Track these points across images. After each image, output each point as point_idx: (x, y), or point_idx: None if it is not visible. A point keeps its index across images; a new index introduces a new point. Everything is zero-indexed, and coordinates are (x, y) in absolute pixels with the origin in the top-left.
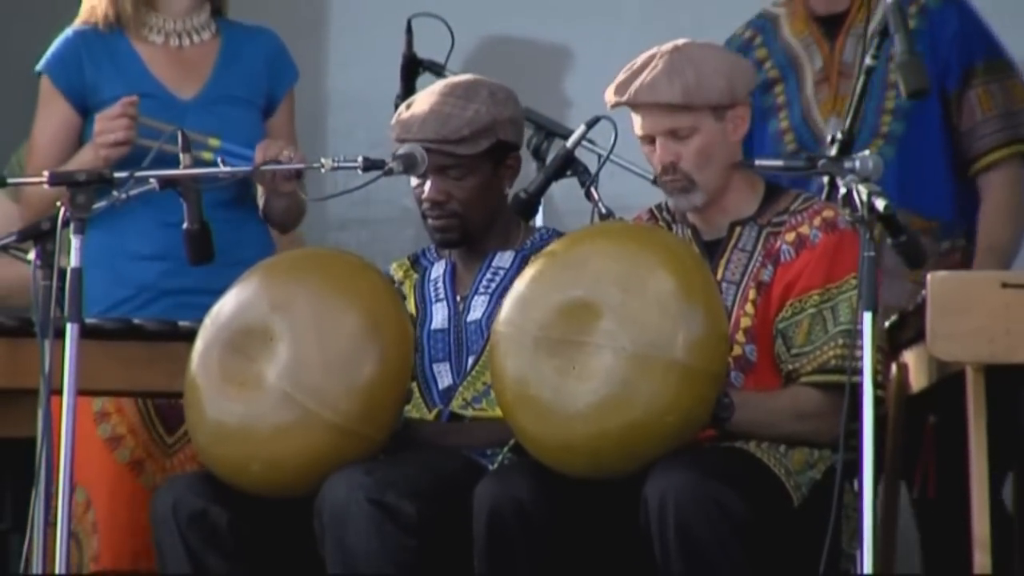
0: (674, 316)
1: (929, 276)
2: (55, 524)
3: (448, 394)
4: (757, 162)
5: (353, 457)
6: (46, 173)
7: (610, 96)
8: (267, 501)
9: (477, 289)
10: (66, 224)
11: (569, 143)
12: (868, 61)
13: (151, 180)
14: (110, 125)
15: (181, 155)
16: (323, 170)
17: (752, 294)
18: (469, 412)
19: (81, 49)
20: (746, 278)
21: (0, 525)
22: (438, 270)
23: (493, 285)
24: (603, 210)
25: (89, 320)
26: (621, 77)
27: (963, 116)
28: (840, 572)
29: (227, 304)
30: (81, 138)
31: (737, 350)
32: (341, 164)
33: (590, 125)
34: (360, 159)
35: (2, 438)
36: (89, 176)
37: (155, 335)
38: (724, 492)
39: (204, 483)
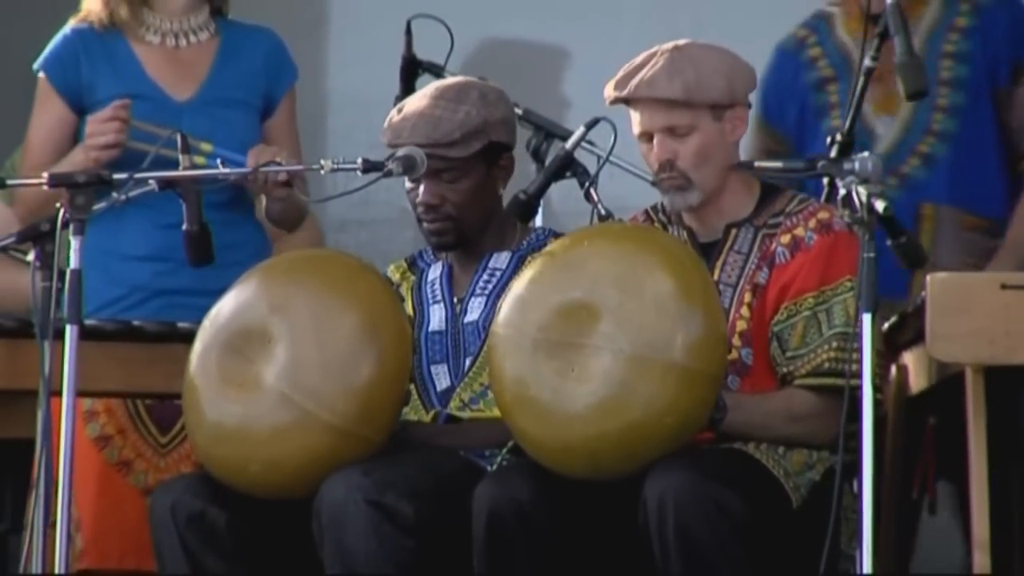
0: (672, 317)
1: (928, 277)
2: (54, 525)
3: (446, 395)
4: (756, 164)
5: (351, 458)
6: (46, 175)
7: (609, 91)
8: (265, 502)
9: (474, 290)
10: (65, 225)
11: (568, 144)
12: (867, 62)
13: (151, 182)
14: (101, 128)
15: (180, 157)
16: (323, 171)
17: (748, 297)
18: (467, 413)
19: (78, 48)
20: (742, 280)
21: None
22: (435, 272)
23: (490, 286)
24: (602, 211)
25: (88, 322)
26: (621, 73)
27: (1013, 112)
28: (839, 573)
29: (226, 306)
30: (76, 137)
31: (733, 353)
32: (341, 166)
33: (589, 126)
34: (360, 161)
35: (1, 439)
36: (89, 178)
37: (154, 337)
38: (723, 493)
39: (202, 484)
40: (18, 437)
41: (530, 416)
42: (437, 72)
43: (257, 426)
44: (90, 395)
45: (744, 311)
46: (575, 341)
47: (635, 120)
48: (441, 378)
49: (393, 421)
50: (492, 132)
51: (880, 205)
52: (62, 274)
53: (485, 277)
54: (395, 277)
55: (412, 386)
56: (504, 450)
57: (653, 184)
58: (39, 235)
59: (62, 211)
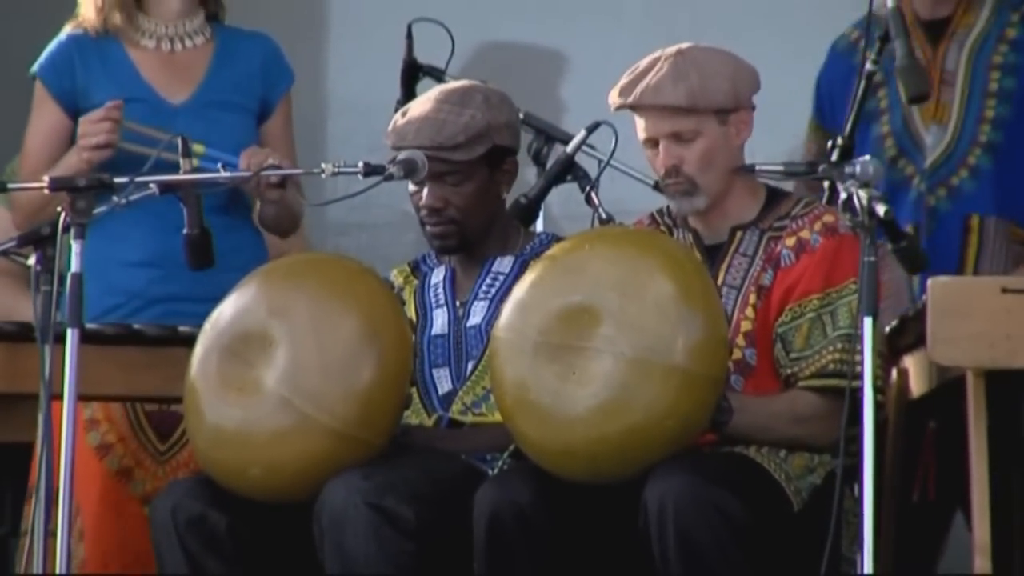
0: (673, 321)
1: (929, 281)
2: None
3: (448, 399)
4: (758, 167)
5: (352, 462)
6: (46, 178)
7: (614, 98)
8: (266, 505)
9: (477, 294)
10: (66, 229)
11: (569, 148)
12: (868, 66)
13: (151, 185)
14: (93, 128)
15: (181, 160)
16: (324, 175)
17: (752, 298)
18: (468, 417)
19: (74, 53)
20: (747, 282)
21: (0, 529)
22: (438, 276)
23: (492, 290)
24: (603, 215)
25: (89, 325)
26: (625, 80)
27: None
28: None
29: (226, 309)
30: (73, 142)
31: (737, 354)
32: (342, 169)
33: (590, 130)
34: (361, 164)
35: (2, 443)
36: (89, 182)
37: (155, 340)
38: (724, 497)
39: (203, 487)
40: (18, 441)
41: (531, 419)
42: (438, 76)
43: (257, 430)
44: (91, 399)
45: (749, 312)
46: (576, 344)
47: (640, 126)
48: (443, 382)
49: (393, 424)
50: (496, 136)
51: (881, 209)
52: (63, 278)
53: (488, 281)
54: (398, 281)
55: (414, 389)
56: (505, 454)
57: (655, 188)
58: (40, 239)
59: (63, 215)
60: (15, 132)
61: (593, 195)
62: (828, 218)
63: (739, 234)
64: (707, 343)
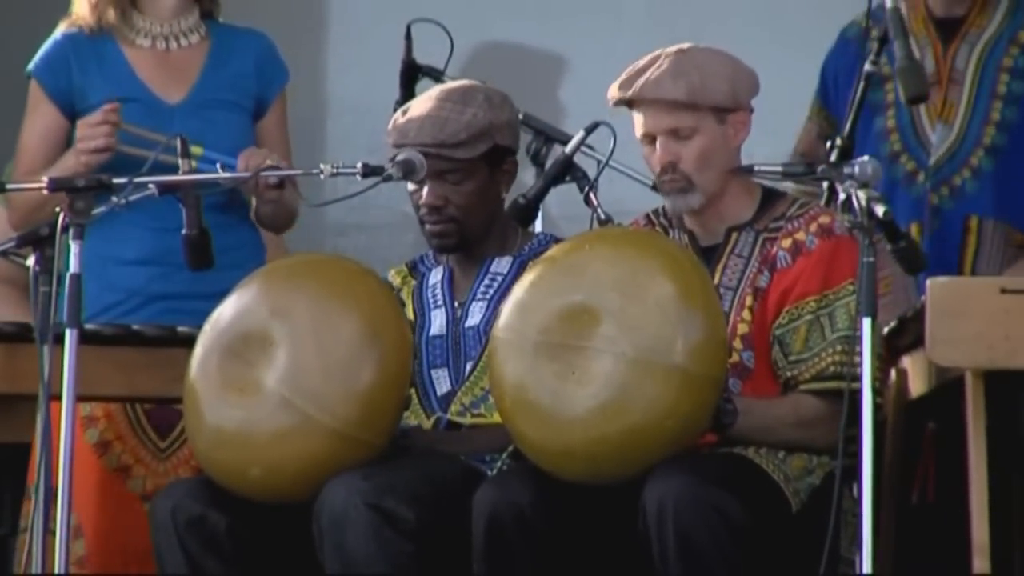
0: (673, 321)
1: (928, 282)
2: (54, 532)
3: (446, 400)
4: (756, 168)
5: (352, 462)
6: (45, 179)
7: (613, 92)
8: (266, 506)
9: (475, 295)
10: (65, 229)
11: (568, 148)
12: (868, 67)
13: (150, 186)
14: (91, 132)
15: (180, 161)
16: (323, 176)
17: (749, 300)
18: (467, 418)
19: (69, 53)
20: (743, 284)
21: None
22: (436, 276)
23: (491, 291)
24: (602, 215)
25: (88, 326)
26: (625, 75)
27: None
28: None
29: (226, 310)
30: (69, 142)
31: (734, 357)
32: (340, 170)
33: (589, 130)
34: (359, 165)
35: (1, 443)
36: (89, 182)
37: (154, 341)
38: (723, 498)
39: (203, 488)
40: (17, 441)
41: (530, 420)
42: (437, 76)
43: (257, 430)
44: (90, 399)
45: (745, 314)
46: (576, 343)
47: (638, 122)
48: (441, 382)
49: (394, 425)
50: (497, 135)
51: (880, 209)
52: (61, 278)
53: (486, 282)
54: (396, 281)
55: (412, 390)
56: (504, 454)
57: (653, 188)
58: (39, 239)
59: (62, 215)
60: (15, 132)
61: (592, 196)
62: (823, 219)
63: (735, 235)
64: (707, 343)
